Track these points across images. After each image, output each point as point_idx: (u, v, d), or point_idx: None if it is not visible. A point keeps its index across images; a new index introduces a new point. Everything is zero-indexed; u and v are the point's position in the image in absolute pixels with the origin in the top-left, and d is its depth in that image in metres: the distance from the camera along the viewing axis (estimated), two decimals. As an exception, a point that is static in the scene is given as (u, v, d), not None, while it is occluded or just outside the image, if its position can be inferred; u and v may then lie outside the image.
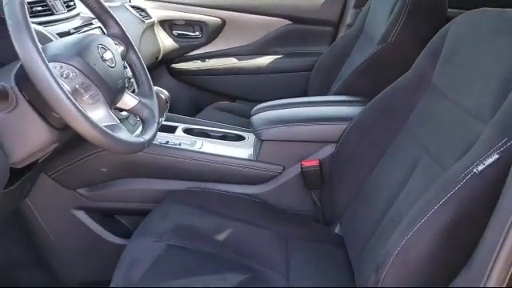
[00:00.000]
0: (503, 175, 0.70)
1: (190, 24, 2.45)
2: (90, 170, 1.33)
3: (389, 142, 1.17)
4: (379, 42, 1.62)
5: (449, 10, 1.60)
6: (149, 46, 2.20)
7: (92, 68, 0.94)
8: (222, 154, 1.39)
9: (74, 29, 1.38)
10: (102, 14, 1.14)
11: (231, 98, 2.43)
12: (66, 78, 0.89)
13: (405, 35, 1.56)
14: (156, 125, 1.10)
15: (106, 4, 1.14)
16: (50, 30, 1.21)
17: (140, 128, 1.12)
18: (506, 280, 0.63)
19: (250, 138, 1.53)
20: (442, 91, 1.06)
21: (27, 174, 1.10)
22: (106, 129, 0.87)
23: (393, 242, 0.81)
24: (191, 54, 2.51)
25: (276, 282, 1.06)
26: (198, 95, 2.46)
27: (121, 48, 1.14)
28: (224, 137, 1.55)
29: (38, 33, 0.82)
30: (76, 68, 0.91)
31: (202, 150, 1.40)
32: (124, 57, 1.16)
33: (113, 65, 1.01)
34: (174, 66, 2.48)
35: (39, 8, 1.28)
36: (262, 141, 1.39)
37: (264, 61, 2.40)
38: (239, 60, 2.44)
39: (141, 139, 1.00)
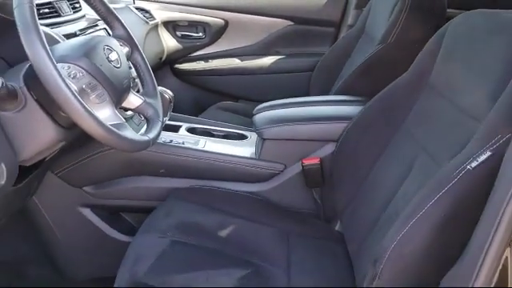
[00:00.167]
0: (496, 171, 0.72)
1: (194, 25, 2.47)
2: (96, 168, 1.35)
3: (388, 140, 1.19)
4: (379, 43, 1.63)
5: (448, 10, 1.61)
6: (153, 47, 2.22)
7: (98, 68, 0.96)
8: (225, 152, 1.41)
9: (80, 30, 1.40)
10: (108, 16, 1.16)
11: (234, 97, 2.44)
12: (73, 78, 0.91)
13: (404, 36, 1.58)
14: (160, 124, 1.12)
15: (111, 6, 1.17)
16: (57, 32, 1.24)
17: (144, 127, 1.14)
18: (497, 273, 0.64)
19: (253, 136, 1.55)
20: (439, 90, 1.08)
21: (34, 172, 1.12)
22: (112, 127, 0.89)
23: (389, 237, 0.83)
24: (194, 54, 2.52)
25: (277, 277, 1.08)
26: (201, 95, 2.48)
27: (126, 49, 1.16)
28: (227, 136, 1.57)
29: (46, 34, 0.84)
30: (83, 68, 0.94)
31: (205, 148, 1.41)
32: (129, 57, 1.18)
33: (118, 65, 1.04)
34: (177, 66, 2.50)
35: (46, 10, 1.31)
36: (264, 139, 1.41)
37: (266, 61, 2.42)
38: (242, 60, 2.45)
39: (146, 137, 1.02)
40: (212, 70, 2.44)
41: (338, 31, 2.46)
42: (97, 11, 1.15)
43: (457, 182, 0.78)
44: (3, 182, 0.89)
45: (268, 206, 1.39)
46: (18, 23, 0.81)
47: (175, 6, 2.45)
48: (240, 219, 1.25)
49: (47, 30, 1.18)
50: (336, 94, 1.75)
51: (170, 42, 2.43)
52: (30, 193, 1.30)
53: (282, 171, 1.41)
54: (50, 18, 1.32)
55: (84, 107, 0.83)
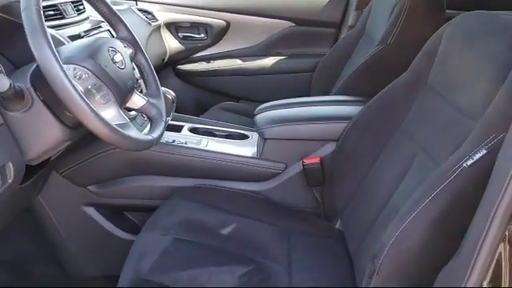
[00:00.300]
0: (490, 169, 0.73)
1: (196, 26, 2.48)
2: (101, 167, 1.37)
3: (387, 140, 1.20)
4: (379, 43, 1.65)
5: (447, 11, 1.62)
6: (155, 48, 2.23)
7: (103, 69, 0.98)
8: (227, 152, 1.43)
9: (84, 32, 1.42)
10: (112, 18, 1.18)
11: (235, 98, 2.45)
12: (79, 78, 0.93)
13: (404, 36, 1.59)
14: (163, 123, 1.14)
15: (114, 7, 1.18)
16: (62, 33, 1.26)
17: (148, 127, 1.16)
18: (491, 268, 0.66)
19: (254, 136, 1.56)
20: (437, 90, 1.09)
21: (40, 171, 1.14)
22: (116, 127, 0.91)
23: (388, 234, 0.85)
24: (196, 55, 2.54)
25: (278, 275, 1.10)
26: (204, 95, 2.49)
27: (130, 50, 1.18)
28: (228, 136, 1.58)
29: (52, 36, 0.86)
30: (88, 69, 0.96)
31: (207, 148, 1.43)
32: (133, 59, 1.20)
33: (122, 66, 1.05)
34: (179, 67, 2.51)
35: (51, 12, 1.33)
36: (265, 139, 1.42)
37: (268, 62, 2.43)
38: (243, 61, 2.46)
39: (149, 137, 1.03)
40: (214, 70, 2.46)
41: (339, 32, 2.47)
42: (101, 13, 1.17)
43: (453, 180, 0.80)
44: (10, 181, 0.91)
45: (269, 205, 1.41)
46: (26, 25, 0.83)
47: (177, 7, 2.46)
48: (242, 218, 1.27)
49: (52, 31, 1.20)
50: (336, 94, 1.76)
51: (172, 43, 2.44)
52: (36, 192, 1.32)
53: (283, 170, 1.42)
54: (55, 19, 1.34)
55: (90, 107, 0.85)
